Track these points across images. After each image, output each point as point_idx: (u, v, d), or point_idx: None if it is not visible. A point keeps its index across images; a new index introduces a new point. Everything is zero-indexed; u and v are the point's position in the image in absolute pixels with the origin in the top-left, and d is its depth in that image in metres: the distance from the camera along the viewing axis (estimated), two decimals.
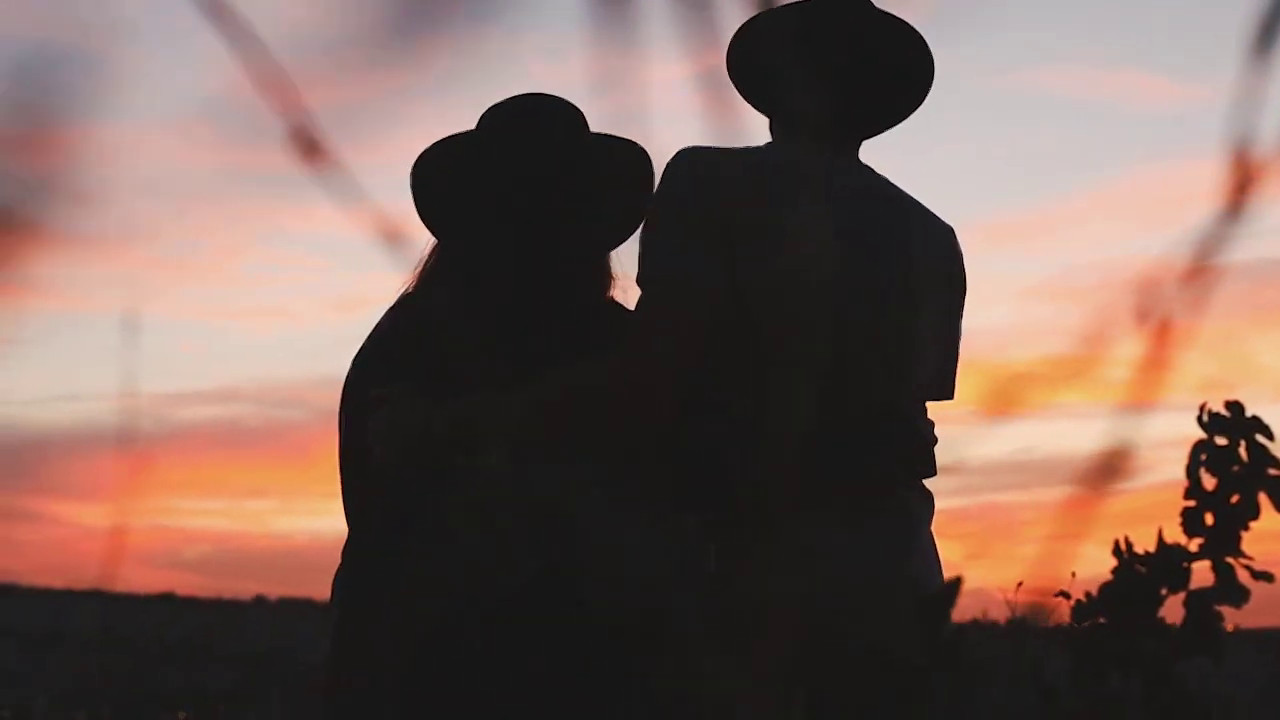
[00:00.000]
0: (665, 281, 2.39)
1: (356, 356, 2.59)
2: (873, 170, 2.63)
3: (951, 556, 2.57)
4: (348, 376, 2.59)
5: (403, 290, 2.63)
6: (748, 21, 2.64)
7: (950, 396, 2.66)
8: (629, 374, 2.36)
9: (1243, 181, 0.64)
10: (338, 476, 2.58)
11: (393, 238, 0.67)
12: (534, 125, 2.62)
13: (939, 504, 2.57)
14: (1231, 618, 1.22)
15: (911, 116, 2.69)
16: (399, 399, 2.42)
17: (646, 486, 2.38)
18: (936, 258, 2.61)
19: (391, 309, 2.62)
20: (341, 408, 2.57)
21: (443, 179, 2.60)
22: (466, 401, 2.40)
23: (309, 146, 0.68)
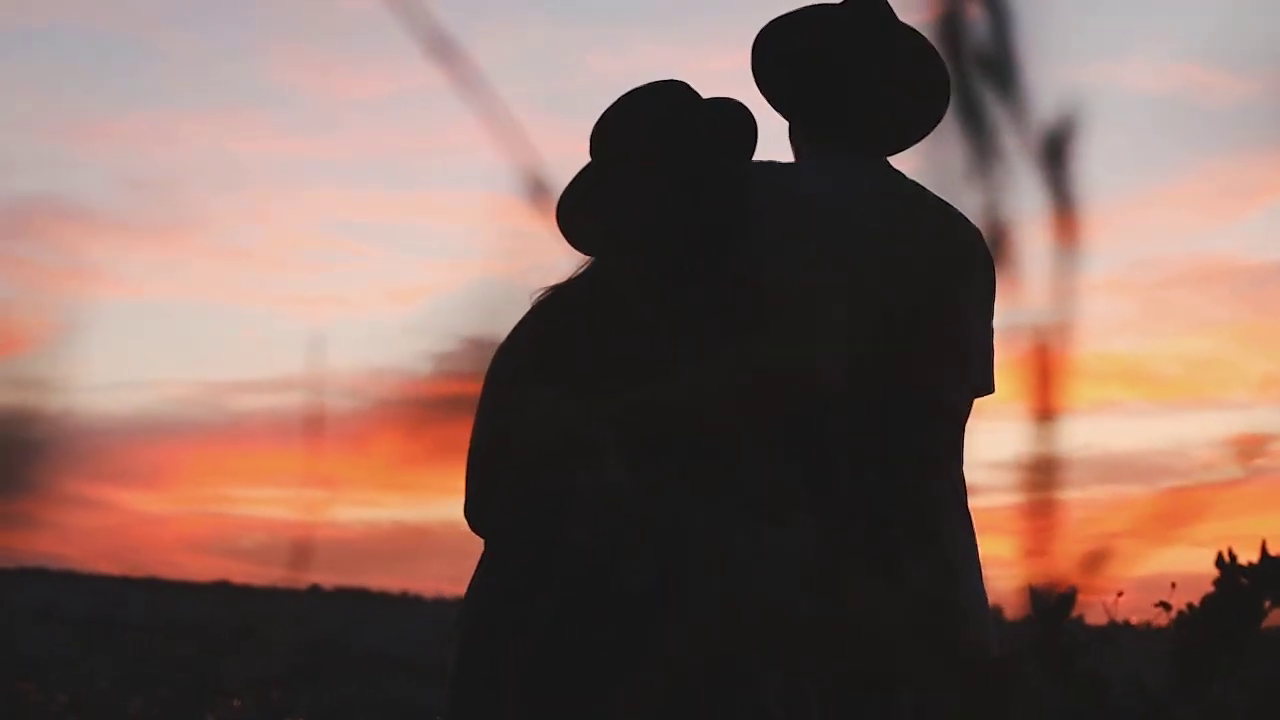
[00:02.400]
0: (809, 275, 2.39)
1: (499, 349, 2.58)
2: (904, 175, 2.67)
3: (1006, 553, 2.57)
4: (490, 368, 2.58)
5: (549, 287, 2.60)
6: (776, 21, 2.67)
7: (992, 390, 2.69)
8: (792, 360, 2.35)
9: None
10: (459, 466, 2.58)
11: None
12: (691, 113, 2.59)
13: (997, 500, 2.59)
14: None
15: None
16: (545, 397, 2.41)
17: (766, 490, 2.38)
18: (976, 258, 2.65)
19: (539, 303, 2.59)
20: (481, 401, 2.57)
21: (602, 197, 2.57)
22: (624, 400, 2.38)
23: (538, 189, 0.67)
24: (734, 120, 2.61)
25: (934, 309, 2.54)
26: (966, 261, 2.63)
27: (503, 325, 2.61)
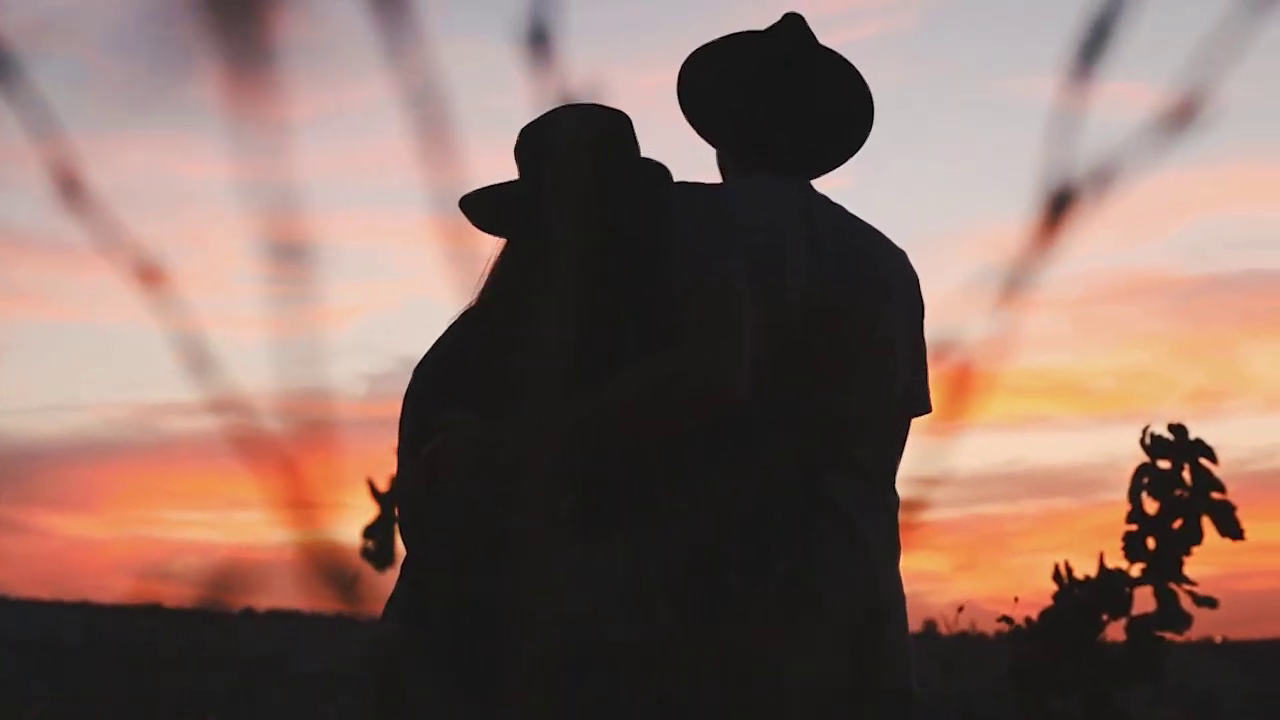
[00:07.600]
0: (726, 283, 2.40)
1: (418, 368, 2.59)
2: (829, 198, 2.70)
3: (940, 568, 2.60)
4: (408, 388, 2.59)
5: (468, 304, 2.60)
6: (700, 49, 2.72)
7: (929, 409, 2.71)
8: (710, 364, 2.34)
9: (1056, 214, 0.64)
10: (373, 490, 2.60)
11: (152, 279, 0.67)
12: (611, 130, 2.60)
13: (927, 516, 2.60)
14: (1217, 630, 1.22)
15: (875, 135, 2.76)
16: (462, 427, 2.41)
17: (605, 504, 2.38)
18: (902, 279, 2.69)
19: (457, 322, 2.60)
20: (401, 421, 2.58)
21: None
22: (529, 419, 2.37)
23: (68, 185, 0.67)
24: (653, 171, 2.63)
25: (854, 326, 2.57)
26: (887, 282, 2.65)
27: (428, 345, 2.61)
